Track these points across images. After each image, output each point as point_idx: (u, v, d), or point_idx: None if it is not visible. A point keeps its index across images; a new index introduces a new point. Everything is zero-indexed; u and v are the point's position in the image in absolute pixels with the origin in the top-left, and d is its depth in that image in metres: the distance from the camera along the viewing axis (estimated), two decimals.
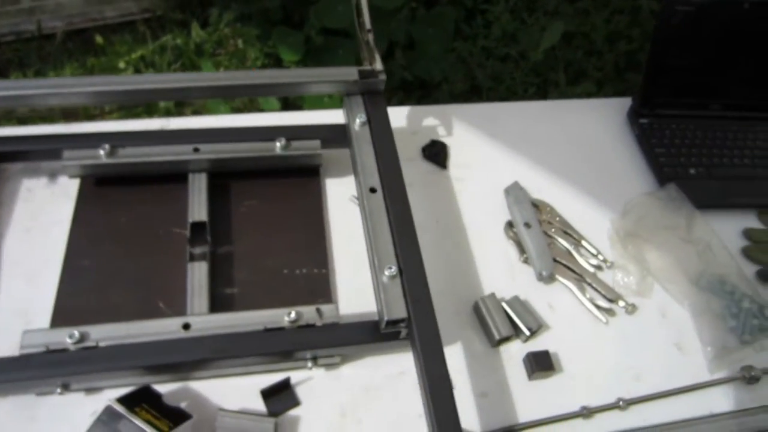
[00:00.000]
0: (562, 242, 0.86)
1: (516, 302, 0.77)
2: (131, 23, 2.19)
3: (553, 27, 1.91)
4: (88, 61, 2.02)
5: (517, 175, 0.92)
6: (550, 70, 1.93)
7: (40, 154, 0.78)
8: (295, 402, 0.68)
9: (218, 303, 0.72)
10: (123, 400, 0.59)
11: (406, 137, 0.94)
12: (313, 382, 0.70)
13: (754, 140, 1.01)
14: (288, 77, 0.83)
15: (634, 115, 1.02)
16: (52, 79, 0.74)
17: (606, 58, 1.97)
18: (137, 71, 1.96)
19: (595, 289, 0.82)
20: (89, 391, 0.65)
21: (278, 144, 0.81)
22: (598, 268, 0.84)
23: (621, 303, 0.81)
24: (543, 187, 0.92)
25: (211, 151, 0.79)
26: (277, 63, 1.97)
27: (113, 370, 0.62)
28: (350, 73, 0.83)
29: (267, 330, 0.66)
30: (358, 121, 0.81)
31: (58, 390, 0.63)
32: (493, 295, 0.77)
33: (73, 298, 0.70)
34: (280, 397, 0.68)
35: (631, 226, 0.87)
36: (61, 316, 0.68)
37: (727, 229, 0.91)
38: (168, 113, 1.77)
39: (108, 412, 0.58)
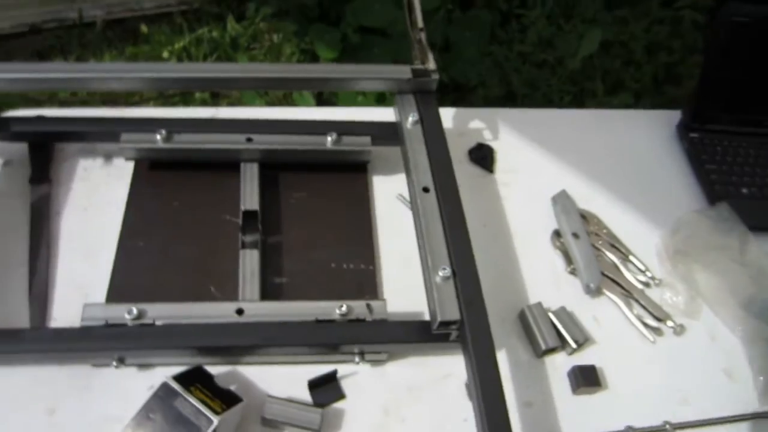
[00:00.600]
0: (610, 255, 0.85)
1: (563, 313, 0.77)
2: (168, 15, 2.22)
3: (591, 34, 1.89)
4: (127, 50, 2.04)
5: (563, 183, 0.91)
6: (587, 79, 1.91)
7: (97, 135, 0.79)
8: (340, 395, 0.68)
9: (268, 291, 0.72)
10: (178, 378, 0.59)
11: (452, 139, 0.92)
12: (358, 377, 0.70)
13: None
14: (341, 72, 0.83)
15: (683, 129, 1.00)
16: (104, 64, 0.76)
17: (645, 69, 1.94)
18: (180, 61, 1.99)
19: (643, 307, 0.81)
20: (142, 366, 0.66)
21: (329, 138, 0.81)
22: (646, 284, 0.83)
23: (669, 323, 0.79)
24: (589, 198, 0.91)
25: (263, 142, 0.79)
26: (314, 59, 1.97)
27: (168, 348, 0.63)
28: (403, 71, 0.83)
29: (318, 321, 0.66)
30: (410, 119, 0.81)
31: (114, 363, 0.64)
32: (540, 304, 0.77)
33: (127, 277, 0.71)
34: (326, 388, 0.68)
35: (680, 244, 0.86)
36: (116, 293, 0.69)
37: None
38: (204, 103, 1.78)
39: (165, 388, 0.58)
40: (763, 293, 0.83)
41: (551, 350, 0.75)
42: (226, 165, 0.80)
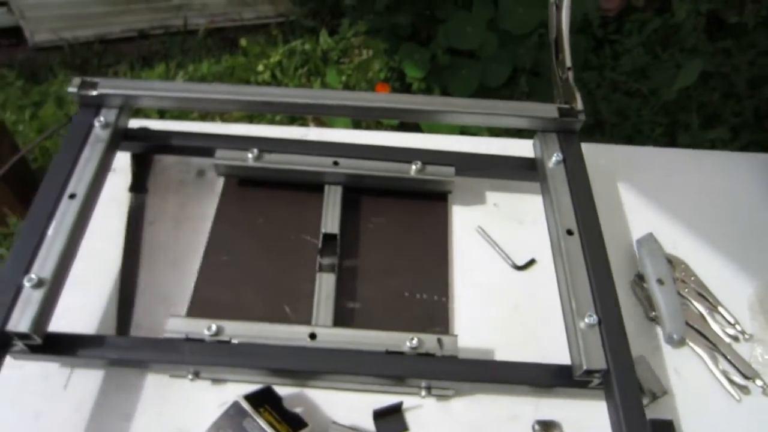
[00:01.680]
0: (696, 305, 0.80)
1: (642, 363, 0.73)
2: (265, 26, 2.32)
3: (690, 65, 1.80)
4: (226, 60, 2.15)
5: (650, 226, 0.87)
6: (681, 111, 1.83)
7: (194, 150, 0.83)
8: (403, 427, 0.68)
9: (341, 316, 0.73)
10: (249, 398, 0.61)
11: None
12: (422, 410, 0.70)
13: None
14: (487, 108, 0.82)
15: None
16: (205, 85, 0.79)
17: (745, 103, 1.84)
18: (273, 75, 2.07)
19: (729, 362, 0.76)
20: (215, 381, 0.69)
21: (414, 167, 0.81)
22: (735, 339, 0.78)
23: (758, 382, 0.74)
24: (678, 243, 0.87)
25: (349, 167, 0.81)
26: (400, 77, 2.00)
27: (241, 367, 0.65)
28: (550, 110, 0.82)
29: (388, 353, 0.66)
30: (554, 158, 0.80)
31: (190, 376, 0.67)
32: None
33: (209, 291, 0.74)
34: (390, 419, 0.68)
35: None
36: (197, 306, 0.72)
37: None
38: (293, 121, 1.84)
39: (236, 407, 0.61)
40: None
41: None
42: (312, 186, 0.82)
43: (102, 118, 0.76)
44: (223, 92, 0.79)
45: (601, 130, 1.81)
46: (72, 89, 0.77)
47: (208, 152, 0.81)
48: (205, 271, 0.75)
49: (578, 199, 0.76)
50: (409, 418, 0.69)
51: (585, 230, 0.73)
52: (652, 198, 0.92)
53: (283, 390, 0.68)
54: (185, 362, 0.64)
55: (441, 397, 0.70)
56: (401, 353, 0.67)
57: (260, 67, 2.07)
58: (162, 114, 1.80)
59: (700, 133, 1.75)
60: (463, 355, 0.69)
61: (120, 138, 0.80)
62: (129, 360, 0.67)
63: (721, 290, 0.82)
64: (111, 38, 2.24)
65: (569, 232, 0.72)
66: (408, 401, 0.69)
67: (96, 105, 0.78)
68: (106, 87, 0.77)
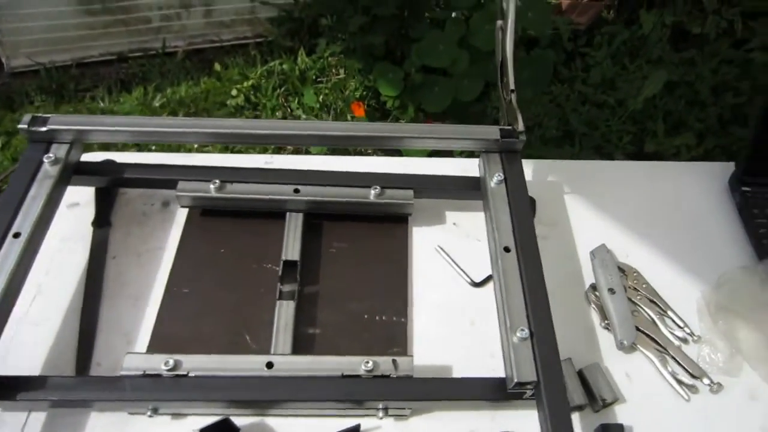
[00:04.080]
0: (647, 311, 0.83)
1: (593, 370, 0.76)
2: (244, 46, 2.35)
3: (655, 75, 1.85)
4: (204, 82, 2.18)
5: (604, 237, 0.91)
6: (647, 119, 1.87)
7: (157, 182, 0.85)
8: None
9: (300, 342, 0.76)
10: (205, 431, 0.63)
11: None
12: (381, 431, 0.72)
13: None
14: (430, 132, 0.86)
15: (736, 183, 0.97)
16: (169, 119, 0.83)
17: (709, 110, 1.89)
18: (247, 99, 2.10)
19: (679, 363, 0.79)
20: (175, 416, 0.70)
21: (373, 191, 0.84)
22: (684, 341, 0.81)
23: (705, 380, 0.77)
24: (631, 252, 0.90)
25: (309, 194, 0.84)
26: (376, 95, 2.04)
27: (199, 400, 0.66)
28: (492, 132, 0.85)
29: (344, 376, 0.69)
30: (495, 178, 0.83)
31: (148, 412, 0.68)
32: (569, 360, 0.76)
33: (170, 325, 0.76)
34: None
35: (723, 300, 0.84)
36: (157, 341, 0.74)
37: None
38: (265, 149, 1.87)
39: None
40: None
41: (579, 408, 0.74)
42: (274, 214, 0.85)
43: (51, 155, 0.78)
44: (177, 126, 0.81)
45: (571, 141, 1.85)
46: (22, 126, 0.78)
47: (171, 184, 0.83)
48: (167, 304, 0.78)
49: (517, 217, 0.78)
50: None
51: (522, 247, 0.75)
52: (605, 210, 0.95)
53: (244, 420, 0.70)
54: (142, 399, 0.66)
55: (399, 417, 0.73)
56: (357, 376, 0.69)
57: (234, 92, 2.11)
58: (137, 144, 1.82)
59: (667, 140, 1.80)
60: (421, 373, 0.72)
61: (71, 173, 0.81)
62: (84, 401, 0.67)
63: (671, 295, 0.85)
64: (88, 62, 2.26)
65: (506, 249, 0.75)
66: (366, 423, 0.71)
67: (47, 141, 0.80)
68: (56, 123, 0.79)
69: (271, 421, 0.71)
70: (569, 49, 2.16)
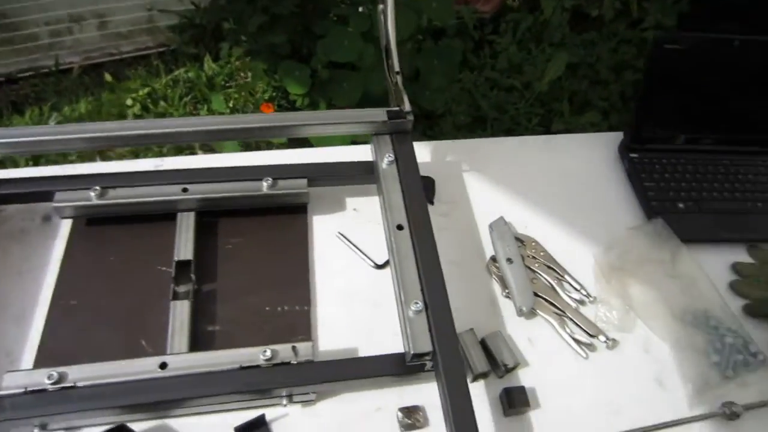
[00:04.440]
0: (546, 277, 0.86)
1: (494, 338, 0.78)
2: (146, 57, 2.27)
3: (557, 58, 1.92)
4: (105, 96, 2.09)
5: (503, 210, 0.93)
6: (554, 101, 1.94)
7: (34, 196, 0.81)
8: None
9: (200, 341, 0.74)
10: None
11: None
12: (288, 419, 0.71)
13: (746, 174, 1.01)
14: (318, 119, 0.85)
15: (624, 150, 1.02)
16: (37, 127, 0.79)
17: (612, 88, 1.98)
18: (144, 108, 2.03)
19: (577, 324, 0.82)
20: (67, 430, 0.67)
21: (265, 183, 0.83)
22: (581, 302, 0.85)
23: (602, 338, 0.80)
24: (529, 222, 0.93)
25: (199, 192, 0.81)
26: (285, 95, 2.02)
27: (90, 410, 0.64)
28: (379, 114, 0.86)
29: (242, 368, 0.67)
30: (386, 159, 0.84)
31: (36, 430, 0.64)
32: (471, 330, 0.78)
33: (58, 338, 0.72)
34: None
35: (615, 261, 0.87)
36: (45, 356, 0.70)
37: (716, 264, 0.91)
38: (178, 150, 1.82)
39: None
40: (694, 303, 0.85)
41: (483, 375, 0.75)
42: (164, 216, 0.82)
43: None
44: (55, 133, 0.78)
45: (483, 126, 1.89)
46: None
47: (50, 196, 0.79)
48: (53, 318, 0.74)
49: (409, 196, 0.79)
50: (276, 428, 0.70)
51: (415, 224, 0.76)
52: (504, 184, 0.98)
53: (143, 425, 0.68)
54: (25, 417, 0.62)
55: (305, 403, 0.72)
56: (257, 367, 0.68)
57: (129, 101, 2.03)
58: (34, 159, 1.73)
59: (573, 119, 1.87)
60: (326, 358, 0.71)
61: None
62: None
63: (568, 260, 0.88)
64: None
65: (399, 227, 0.76)
66: (272, 413, 0.70)
67: None
68: None
69: (173, 422, 0.69)
70: (476, 37, 2.20)
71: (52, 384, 0.63)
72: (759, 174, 1.01)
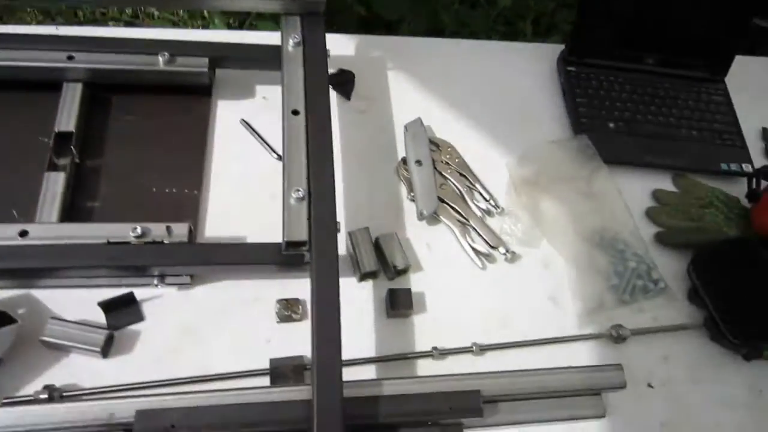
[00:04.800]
0: (456, 184, 0.83)
1: (389, 239, 0.75)
2: None
3: None
4: None
5: (425, 112, 0.88)
6: (519, 19, 1.85)
7: None
8: (138, 317, 0.67)
9: (75, 215, 0.71)
10: None
11: None
12: (162, 300, 0.69)
13: (686, 100, 0.97)
14: None
15: (562, 63, 0.97)
16: None
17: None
18: None
19: (479, 234, 0.79)
20: None
21: (161, 59, 0.77)
22: (488, 213, 0.82)
23: (502, 249, 0.78)
24: (451, 128, 0.89)
25: (86, 61, 0.76)
26: None
27: None
28: None
29: (110, 243, 0.64)
30: (291, 41, 0.78)
31: None
32: (366, 229, 0.75)
33: None
34: (123, 311, 0.67)
35: (529, 174, 0.84)
36: None
37: (637, 189, 0.88)
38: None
39: None
40: (604, 224, 0.82)
41: (372, 274, 0.73)
42: (49, 85, 0.76)
43: None
44: None
45: (442, 37, 1.79)
46: None
47: None
48: None
49: (311, 80, 0.74)
50: (149, 308, 0.68)
51: (311, 111, 0.72)
52: (430, 86, 0.93)
53: (4, 293, 0.65)
54: None
55: (181, 286, 0.70)
56: (126, 243, 0.65)
57: None
58: None
59: (535, 39, 1.78)
60: (213, 242, 0.69)
61: None
62: None
63: (484, 169, 0.85)
64: None
65: (295, 112, 0.71)
66: (144, 293, 0.68)
67: None
68: None
69: (39, 293, 0.67)
70: None
71: None
72: (699, 101, 0.97)
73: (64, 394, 0.61)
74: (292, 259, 0.65)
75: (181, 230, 0.66)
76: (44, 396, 0.59)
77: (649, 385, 0.73)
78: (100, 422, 0.55)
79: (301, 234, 0.63)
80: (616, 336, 0.74)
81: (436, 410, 0.60)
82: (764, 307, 0.76)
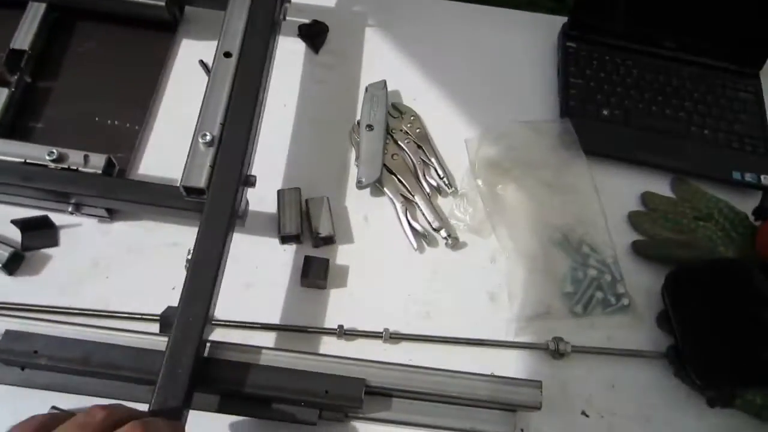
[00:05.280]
0: (411, 156, 0.77)
1: (318, 203, 0.71)
2: None
3: None
4: None
5: (397, 76, 0.82)
6: None
7: None
8: (53, 242, 0.68)
9: (18, 132, 0.72)
10: None
11: (292, 13, 0.85)
12: (80, 230, 0.69)
13: (705, 94, 0.84)
14: None
15: (563, 37, 0.87)
16: None
17: None
18: None
19: (422, 213, 0.74)
20: None
21: None
22: (438, 191, 0.76)
23: (443, 233, 0.72)
24: (420, 95, 0.82)
25: None
26: None
27: None
28: None
29: (26, 163, 0.64)
30: None
31: None
32: (297, 189, 0.71)
33: None
34: (38, 234, 0.67)
35: (491, 153, 0.77)
36: None
37: (624, 188, 0.79)
38: None
39: None
40: (570, 222, 0.74)
41: (294, 238, 0.70)
42: (15, 3, 0.77)
43: None
44: None
45: None
46: None
47: None
48: None
49: (253, 22, 0.70)
50: (65, 235, 0.69)
51: (245, 54, 0.68)
52: (408, 49, 0.86)
53: None
54: None
55: (102, 219, 0.69)
56: (42, 165, 0.65)
57: None
58: None
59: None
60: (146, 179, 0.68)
61: None
62: None
63: (446, 145, 0.79)
64: None
65: (227, 55, 0.67)
66: (63, 219, 0.68)
67: None
68: None
69: None
70: None
71: None
72: (722, 97, 0.84)
73: None
74: (193, 206, 0.63)
75: (98, 161, 0.66)
76: None
77: (584, 413, 0.65)
78: None
79: (200, 181, 0.60)
80: (554, 349, 0.66)
81: (310, 391, 0.56)
82: (744, 346, 0.64)
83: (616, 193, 0.78)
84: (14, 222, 0.66)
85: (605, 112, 0.81)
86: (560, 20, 0.89)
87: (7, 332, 0.56)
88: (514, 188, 0.75)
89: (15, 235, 0.67)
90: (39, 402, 0.56)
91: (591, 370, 0.67)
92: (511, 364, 0.67)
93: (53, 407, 0.57)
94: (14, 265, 0.65)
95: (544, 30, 0.89)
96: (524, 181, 0.75)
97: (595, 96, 0.82)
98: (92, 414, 0.41)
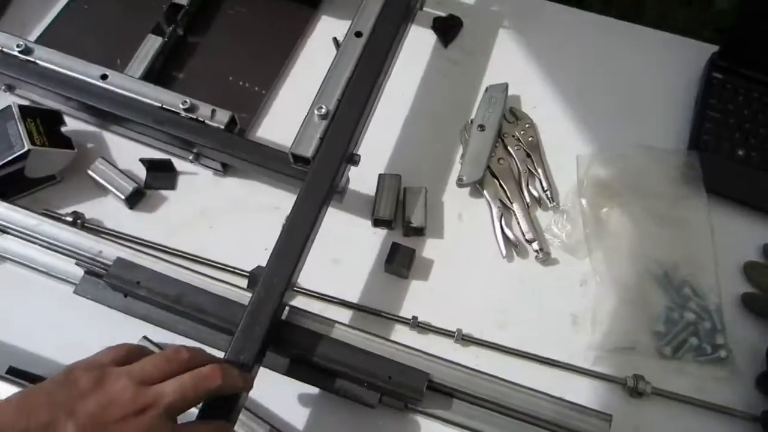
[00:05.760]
0: (518, 163, 0.76)
1: (415, 192, 0.72)
2: None
3: None
4: None
5: (521, 81, 0.81)
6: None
7: None
8: (171, 185, 0.74)
9: (162, 79, 0.79)
10: (24, 108, 0.69)
11: (432, 4, 0.86)
12: (197, 178, 0.75)
13: None
14: None
15: (710, 66, 0.81)
16: None
17: None
18: None
19: (518, 223, 0.72)
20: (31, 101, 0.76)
21: None
22: (539, 202, 0.74)
23: (535, 246, 0.70)
24: (541, 104, 0.80)
25: None
26: None
27: (41, 89, 0.71)
28: None
29: (162, 108, 0.70)
30: None
31: (3, 87, 0.75)
32: (397, 176, 0.73)
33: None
34: (161, 176, 0.74)
35: (604, 176, 0.74)
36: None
37: (745, 235, 0.72)
38: None
39: (6, 111, 0.69)
40: (677, 259, 0.69)
41: (385, 223, 0.71)
42: None
43: None
44: None
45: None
46: None
47: None
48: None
49: (387, 6, 0.71)
50: (183, 181, 0.74)
51: (375, 36, 0.69)
52: (540, 56, 0.84)
53: (79, 125, 0.76)
54: None
55: (216, 172, 0.75)
56: (175, 113, 0.70)
57: None
58: None
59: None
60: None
61: None
62: None
63: (556, 158, 0.77)
64: None
65: (358, 34, 0.69)
66: (184, 166, 0.74)
67: None
68: None
69: (108, 136, 0.77)
70: None
71: (20, 52, 0.72)
72: None
73: (87, 224, 0.70)
74: (298, 173, 0.65)
75: (222, 117, 0.71)
76: (69, 219, 0.69)
77: None
78: (89, 254, 0.63)
79: (307, 150, 0.63)
80: (633, 387, 0.63)
81: (374, 373, 0.58)
82: None
83: (733, 239, 0.72)
84: (142, 160, 0.73)
85: (740, 152, 0.75)
86: (710, 49, 0.83)
87: (119, 259, 0.62)
88: (620, 213, 0.72)
89: (140, 173, 0.74)
90: (134, 331, 0.62)
91: (670, 418, 0.63)
92: (582, 392, 0.64)
93: (144, 337, 0.63)
94: (135, 199, 0.72)
95: (689, 56, 0.84)
96: (632, 208, 0.72)
97: (732, 133, 0.76)
98: (179, 351, 0.46)
